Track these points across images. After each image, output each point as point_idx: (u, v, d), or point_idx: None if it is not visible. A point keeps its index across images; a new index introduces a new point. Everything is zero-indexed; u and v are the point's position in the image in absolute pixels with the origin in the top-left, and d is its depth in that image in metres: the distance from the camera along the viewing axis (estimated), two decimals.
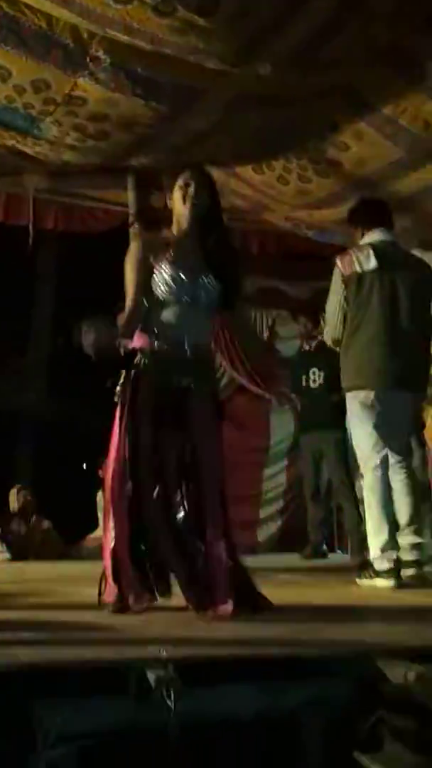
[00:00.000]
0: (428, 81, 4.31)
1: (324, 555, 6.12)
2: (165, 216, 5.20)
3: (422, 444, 5.45)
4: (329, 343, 4.35)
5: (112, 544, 2.92)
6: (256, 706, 1.95)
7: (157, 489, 2.88)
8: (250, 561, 3.28)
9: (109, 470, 2.98)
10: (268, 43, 3.72)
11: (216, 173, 5.63)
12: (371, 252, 4.05)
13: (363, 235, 4.21)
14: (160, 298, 2.98)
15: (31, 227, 6.02)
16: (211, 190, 3.11)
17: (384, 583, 3.84)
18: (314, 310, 6.08)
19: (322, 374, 5.97)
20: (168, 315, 2.99)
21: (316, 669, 2.05)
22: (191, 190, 3.03)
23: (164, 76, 4.19)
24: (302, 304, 6.86)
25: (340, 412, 5.70)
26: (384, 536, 3.90)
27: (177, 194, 3.07)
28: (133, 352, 2.99)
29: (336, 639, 2.36)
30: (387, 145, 4.88)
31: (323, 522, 6.24)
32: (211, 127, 4.78)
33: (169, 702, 1.79)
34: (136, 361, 2.97)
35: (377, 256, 4.06)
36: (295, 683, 2.00)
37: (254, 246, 6.77)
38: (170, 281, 2.97)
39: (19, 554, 6.09)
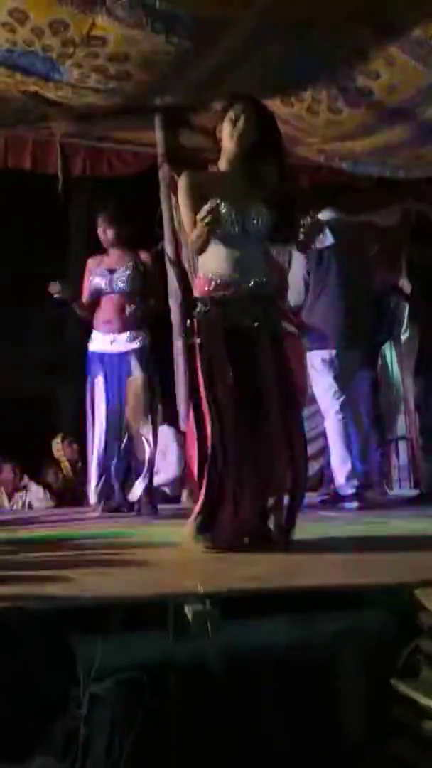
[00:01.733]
0: None
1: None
2: (195, 155, 5.21)
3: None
4: (292, 305, 5.07)
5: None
6: (294, 638, 1.98)
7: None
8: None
9: (191, 422, 2.99)
10: None
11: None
12: (327, 230, 4.55)
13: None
14: (211, 237, 2.90)
15: (60, 173, 5.99)
16: (264, 122, 3.01)
17: (351, 505, 4.70)
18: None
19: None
20: (220, 255, 2.95)
21: (352, 600, 2.07)
22: (240, 124, 2.95)
23: (183, 9, 4.09)
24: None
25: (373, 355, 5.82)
26: (348, 467, 4.78)
27: (225, 129, 2.99)
28: (194, 301, 3.00)
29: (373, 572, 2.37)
30: (418, 70, 4.72)
31: None
32: (234, 59, 4.67)
33: (207, 636, 1.82)
34: (196, 311, 2.97)
35: (332, 233, 4.82)
36: (332, 615, 2.02)
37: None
38: (223, 219, 2.89)
39: (61, 501, 6.21)
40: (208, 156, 6.22)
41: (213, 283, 2.95)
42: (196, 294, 3.04)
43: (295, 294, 5.05)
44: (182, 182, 3.05)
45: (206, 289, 2.96)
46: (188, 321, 3.05)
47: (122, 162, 6.31)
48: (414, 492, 5.85)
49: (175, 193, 6.18)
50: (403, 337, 7.03)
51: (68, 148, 6.09)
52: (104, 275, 4.69)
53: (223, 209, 2.87)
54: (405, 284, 6.61)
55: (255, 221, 2.96)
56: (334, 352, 4.90)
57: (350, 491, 4.79)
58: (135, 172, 6.30)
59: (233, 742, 1.92)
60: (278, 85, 5.17)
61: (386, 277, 6.53)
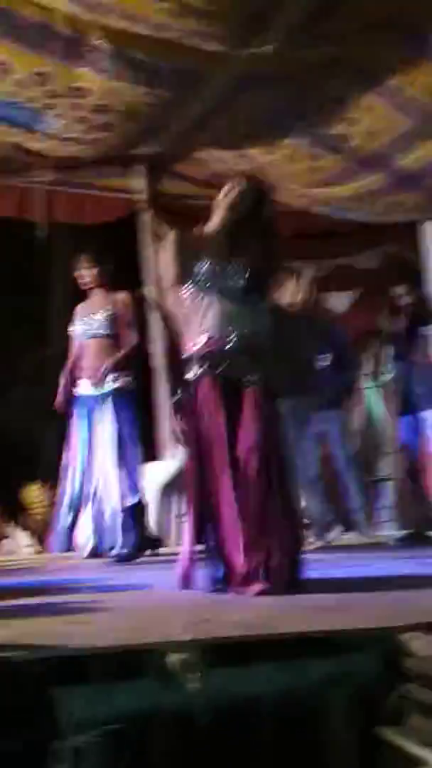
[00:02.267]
0: None
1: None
2: (177, 202, 5.30)
3: None
4: None
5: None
6: (279, 686, 1.96)
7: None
8: None
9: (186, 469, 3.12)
10: (266, 22, 3.68)
11: (225, 155, 5.67)
12: None
13: None
14: (200, 294, 3.00)
15: (43, 220, 6.04)
16: (256, 199, 3.13)
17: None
18: (331, 290, 6.08)
19: (329, 356, 5.97)
20: (210, 313, 3.00)
21: (337, 646, 2.05)
22: (231, 195, 3.10)
23: (165, 61, 4.17)
24: (320, 282, 6.83)
25: (346, 392, 5.88)
26: None
27: (221, 201, 3.14)
28: (187, 359, 3.03)
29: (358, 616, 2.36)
30: (397, 117, 4.84)
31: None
32: (215, 110, 4.77)
33: (192, 684, 1.80)
34: (190, 372, 3.01)
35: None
36: (317, 661, 2.01)
37: None
38: (210, 273, 2.99)
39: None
40: (190, 203, 6.38)
41: (203, 342, 2.99)
42: (188, 351, 3.05)
43: None
44: (168, 239, 3.13)
45: (197, 347, 3.00)
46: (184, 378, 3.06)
47: (103, 208, 6.38)
48: (402, 533, 5.83)
49: (157, 240, 6.28)
50: (387, 377, 7.08)
51: (50, 195, 6.15)
52: (82, 321, 4.71)
53: (210, 266, 2.99)
54: (387, 325, 6.69)
55: (237, 281, 3.01)
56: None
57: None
58: (116, 219, 6.37)
59: None
60: (258, 134, 5.28)
61: (368, 320, 6.62)
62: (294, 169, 5.65)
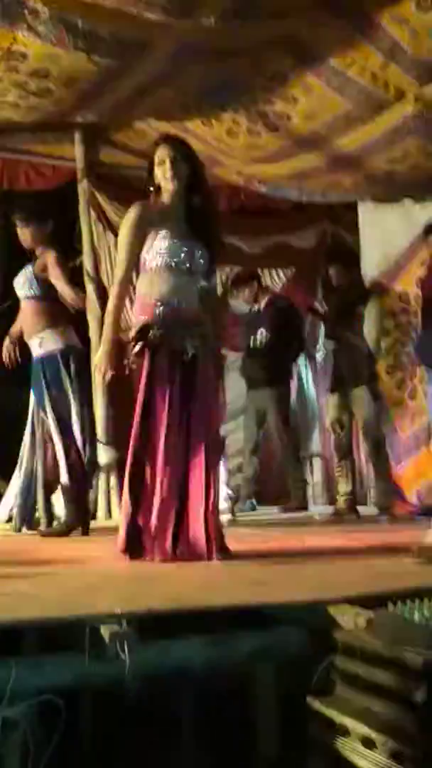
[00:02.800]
0: (375, 32, 4.27)
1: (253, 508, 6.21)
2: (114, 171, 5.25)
3: (376, 396, 5.56)
4: None
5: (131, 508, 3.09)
6: (209, 657, 1.99)
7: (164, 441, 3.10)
8: None
9: (132, 431, 3.16)
10: None
11: (165, 126, 5.61)
12: None
13: None
14: (160, 265, 3.18)
15: None
16: (189, 161, 3.28)
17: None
18: (266, 265, 6.12)
19: (267, 334, 6.05)
20: (169, 283, 3.18)
21: (268, 618, 2.09)
22: (167, 165, 3.23)
23: (106, 28, 4.09)
24: (256, 259, 6.87)
25: (284, 370, 5.99)
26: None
27: (156, 169, 3.27)
28: (144, 324, 3.17)
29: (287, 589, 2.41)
30: (335, 98, 4.85)
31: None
32: (155, 80, 4.71)
33: (123, 656, 1.81)
34: (148, 334, 3.15)
35: None
36: (247, 633, 2.04)
37: None
38: (169, 250, 3.17)
39: None
40: (128, 173, 6.32)
41: (160, 308, 3.17)
42: (141, 316, 3.20)
43: None
44: (131, 213, 3.26)
45: (154, 313, 3.16)
46: (136, 342, 3.18)
47: (41, 176, 6.26)
48: (329, 509, 5.96)
49: (95, 209, 6.22)
50: (318, 356, 7.19)
51: None
52: (17, 282, 4.57)
53: (174, 242, 3.18)
54: (320, 304, 6.78)
55: (197, 261, 3.24)
56: None
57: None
58: (53, 187, 6.26)
59: (150, 765, 1.92)
60: (198, 107, 5.24)
61: (302, 298, 6.70)
62: (232, 144, 5.63)
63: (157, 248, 3.19)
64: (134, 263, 3.26)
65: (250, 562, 3.14)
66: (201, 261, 3.26)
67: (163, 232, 3.19)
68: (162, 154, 3.25)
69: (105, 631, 1.85)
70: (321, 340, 7.08)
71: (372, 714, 1.74)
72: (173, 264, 3.19)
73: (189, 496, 3.13)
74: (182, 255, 3.20)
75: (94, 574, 2.90)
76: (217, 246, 3.37)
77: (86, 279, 6.05)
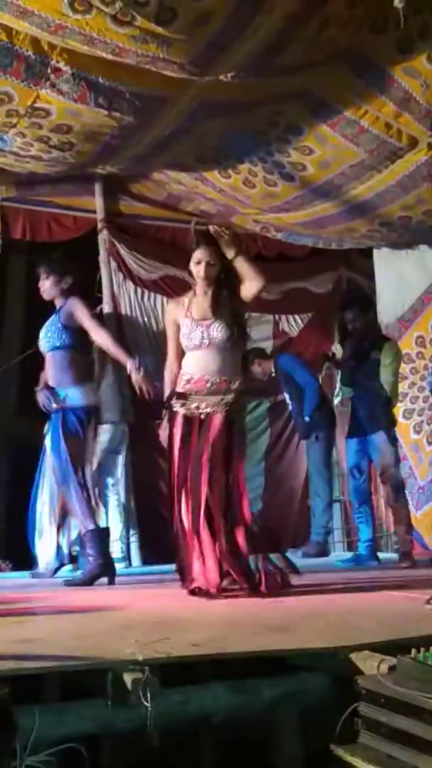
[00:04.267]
0: (388, 84, 4.37)
1: None
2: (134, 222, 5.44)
3: (394, 441, 5.56)
4: None
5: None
6: (232, 704, 1.98)
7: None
8: None
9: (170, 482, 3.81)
10: (226, 50, 3.75)
11: (183, 177, 5.74)
12: None
13: None
14: (187, 346, 3.84)
15: None
16: (220, 261, 3.87)
17: None
18: (283, 310, 6.19)
19: (288, 396, 6.15)
20: (190, 359, 3.84)
21: (289, 664, 2.09)
22: (202, 266, 3.87)
23: (126, 85, 4.20)
24: (273, 304, 6.93)
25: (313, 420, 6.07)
26: None
27: (192, 268, 3.92)
28: (171, 394, 3.84)
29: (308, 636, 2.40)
30: (349, 148, 4.94)
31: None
32: (173, 134, 4.82)
33: (146, 703, 1.82)
34: (170, 402, 3.83)
35: None
36: (269, 679, 2.04)
37: None
38: (189, 333, 3.82)
39: None
40: (146, 223, 6.44)
41: (183, 380, 3.80)
42: (170, 388, 3.88)
43: None
44: (166, 309, 4.14)
45: (179, 384, 3.81)
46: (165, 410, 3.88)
47: (61, 226, 6.40)
48: (348, 555, 5.92)
49: (115, 258, 6.34)
50: (335, 401, 7.20)
51: (8, 211, 6.16)
52: (43, 333, 4.63)
53: (192, 326, 3.81)
54: (337, 349, 6.82)
55: (216, 335, 3.79)
56: None
57: None
58: (74, 237, 6.39)
59: None
60: (215, 159, 5.35)
61: (319, 343, 6.76)
62: (249, 194, 5.74)
63: (186, 333, 3.83)
64: (178, 344, 3.91)
65: (269, 608, 3.13)
66: (218, 334, 3.79)
67: (189, 321, 3.84)
68: (198, 255, 3.88)
69: (127, 678, 1.86)
70: (338, 385, 7.10)
71: (396, 762, 1.73)
72: (192, 344, 3.81)
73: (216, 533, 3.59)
74: (200, 333, 3.79)
75: (116, 619, 2.90)
76: (239, 321, 3.91)
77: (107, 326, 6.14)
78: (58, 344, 4.54)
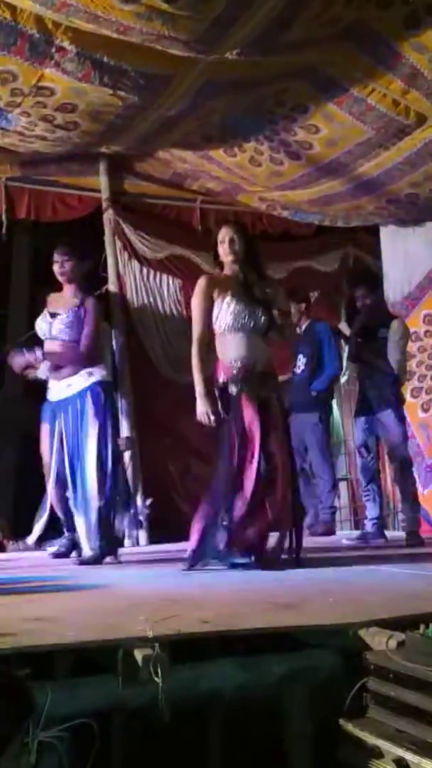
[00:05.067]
0: (395, 60, 4.33)
1: None
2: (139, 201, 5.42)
3: (402, 419, 5.56)
4: None
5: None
6: (242, 681, 2.01)
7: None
8: None
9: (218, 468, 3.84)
10: (231, 28, 3.72)
11: (188, 155, 5.71)
12: None
13: None
14: (230, 327, 3.83)
15: (3, 216, 6.03)
16: (245, 239, 3.99)
17: None
18: (293, 290, 6.17)
19: (305, 359, 6.07)
20: (240, 344, 3.84)
21: (299, 641, 2.11)
22: (226, 246, 3.92)
23: (131, 64, 4.17)
24: (280, 283, 6.91)
25: (322, 395, 5.98)
26: None
27: (220, 248, 3.96)
28: (224, 383, 3.85)
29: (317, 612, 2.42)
30: (356, 125, 4.90)
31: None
32: (179, 112, 4.79)
33: (157, 679, 1.84)
34: (228, 390, 3.83)
35: None
36: (278, 655, 2.06)
37: None
38: (238, 314, 3.82)
39: None
40: (151, 202, 6.42)
41: (235, 367, 3.82)
42: (222, 377, 3.87)
43: None
44: (200, 282, 3.99)
45: (231, 372, 3.82)
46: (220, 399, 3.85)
47: (66, 206, 6.38)
48: (355, 533, 5.94)
49: (120, 238, 6.33)
50: (343, 379, 7.20)
51: (13, 191, 6.14)
52: (45, 319, 4.64)
53: (238, 307, 3.83)
54: (344, 327, 6.80)
55: (259, 321, 3.85)
56: None
57: None
58: (79, 216, 6.37)
59: None
60: (221, 137, 5.32)
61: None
62: (255, 172, 5.71)
63: (225, 312, 3.83)
64: (207, 324, 3.89)
65: (278, 585, 3.15)
66: (262, 321, 3.85)
67: (228, 299, 3.83)
68: (223, 234, 3.94)
69: (138, 655, 1.88)
70: (345, 363, 7.09)
71: (404, 735, 1.75)
72: (239, 326, 3.82)
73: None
74: (246, 317, 3.82)
75: (125, 597, 2.93)
76: (275, 307, 3.95)
77: (112, 306, 6.15)
78: (61, 336, 4.57)
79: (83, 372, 4.53)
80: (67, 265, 4.64)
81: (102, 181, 6.25)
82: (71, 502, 4.48)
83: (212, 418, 3.80)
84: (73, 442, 4.46)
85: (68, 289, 4.68)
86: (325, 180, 5.61)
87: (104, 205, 6.32)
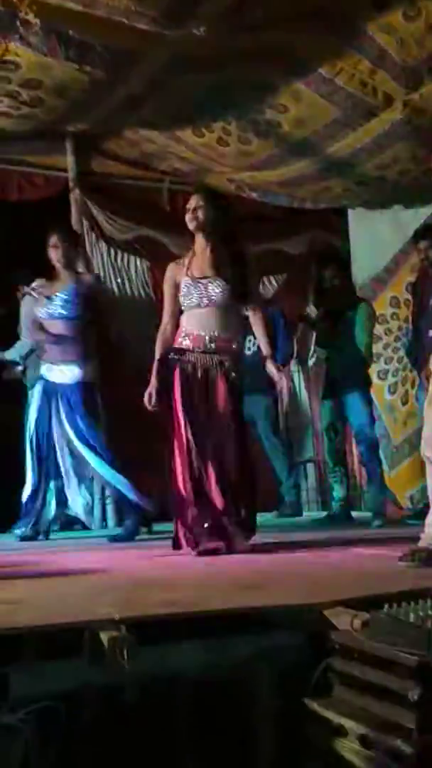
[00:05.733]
0: (363, 41, 4.31)
1: None
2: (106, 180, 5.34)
3: (369, 401, 5.60)
4: None
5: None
6: (208, 661, 2.01)
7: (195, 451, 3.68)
8: None
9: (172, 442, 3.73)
10: (197, 3, 3.68)
11: (156, 135, 5.65)
12: None
13: None
14: (185, 307, 3.80)
15: None
16: (216, 208, 3.84)
17: None
18: (260, 272, 6.15)
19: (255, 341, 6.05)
20: (190, 318, 3.80)
21: (266, 622, 2.11)
22: (190, 213, 3.80)
23: (97, 39, 4.13)
24: None
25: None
26: None
27: (187, 216, 3.83)
28: (173, 352, 3.79)
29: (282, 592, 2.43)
30: (325, 106, 4.88)
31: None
32: (146, 90, 4.74)
33: (122, 661, 1.83)
34: (171, 358, 3.77)
35: None
36: (243, 636, 2.06)
37: None
38: (187, 292, 3.77)
39: None
40: (118, 182, 6.35)
41: (183, 339, 3.77)
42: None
43: None
44: (167, 272, 3.96)
45: (178, 343, 3.79)
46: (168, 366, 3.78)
47: (33, 185, 6.28)
48: (323, 514, 5.98)
49: (87, 218, 6.26)
50: (310, 362, 7.22)
51: None
52: (44, 304, 4.72)
53: (187, 286, 3.77)
54: (312, 310, 6.81)
55: (216, 291, 3.75)
56: None
57: None
58: (45, 196, 6.29)
59: None
60: (188, 116, 5.28)
61: (293, 304, 6.72)
62: (223, 152, 5.67)
63: (182, 294, 3.79)
64: (174, 306, 3.88)
65: (244, 567, 3.16)
66: (216, 293, 3.75)
67: (186, 280, 3.79)
68: (190, 202, 3.83)
69: (104, 637, 1.87)
70: (312, 345, 7.10)
71: (369, 713, 1.77)
72: (191, 302, 3.77)
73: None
74: (195, 293, 3.75)
75: (94, 581, 2.92)
76: (240, 279, 3.81)
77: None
78: (73, 314, 4.70)
79: (78, 362, 4.68)
80: (64, 245, 4.75)
81: (69, 160, 6.16)
82: (72, 483, 4.65)
83: (153, 400, 3.80)
84: (75, 427, 4.64)
85: (62, 272, 4.77)
86: (294, 160, 5.59)
87: (71, 184, 6.24)
